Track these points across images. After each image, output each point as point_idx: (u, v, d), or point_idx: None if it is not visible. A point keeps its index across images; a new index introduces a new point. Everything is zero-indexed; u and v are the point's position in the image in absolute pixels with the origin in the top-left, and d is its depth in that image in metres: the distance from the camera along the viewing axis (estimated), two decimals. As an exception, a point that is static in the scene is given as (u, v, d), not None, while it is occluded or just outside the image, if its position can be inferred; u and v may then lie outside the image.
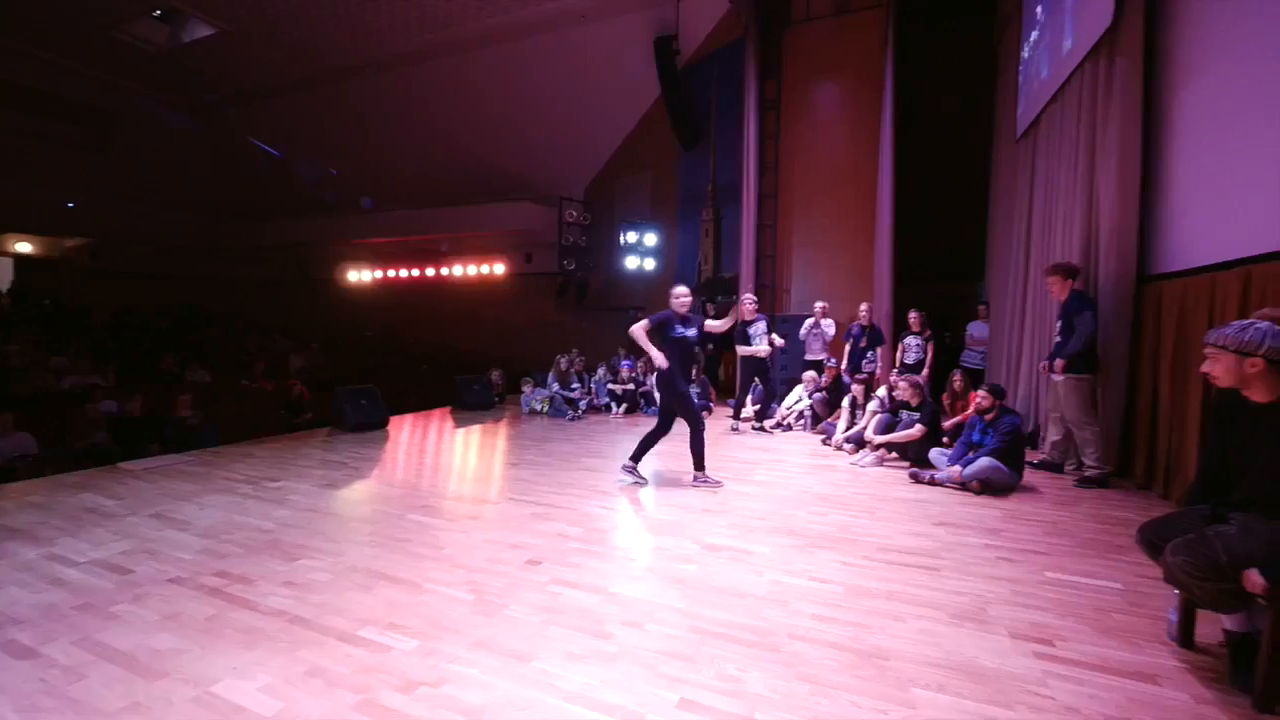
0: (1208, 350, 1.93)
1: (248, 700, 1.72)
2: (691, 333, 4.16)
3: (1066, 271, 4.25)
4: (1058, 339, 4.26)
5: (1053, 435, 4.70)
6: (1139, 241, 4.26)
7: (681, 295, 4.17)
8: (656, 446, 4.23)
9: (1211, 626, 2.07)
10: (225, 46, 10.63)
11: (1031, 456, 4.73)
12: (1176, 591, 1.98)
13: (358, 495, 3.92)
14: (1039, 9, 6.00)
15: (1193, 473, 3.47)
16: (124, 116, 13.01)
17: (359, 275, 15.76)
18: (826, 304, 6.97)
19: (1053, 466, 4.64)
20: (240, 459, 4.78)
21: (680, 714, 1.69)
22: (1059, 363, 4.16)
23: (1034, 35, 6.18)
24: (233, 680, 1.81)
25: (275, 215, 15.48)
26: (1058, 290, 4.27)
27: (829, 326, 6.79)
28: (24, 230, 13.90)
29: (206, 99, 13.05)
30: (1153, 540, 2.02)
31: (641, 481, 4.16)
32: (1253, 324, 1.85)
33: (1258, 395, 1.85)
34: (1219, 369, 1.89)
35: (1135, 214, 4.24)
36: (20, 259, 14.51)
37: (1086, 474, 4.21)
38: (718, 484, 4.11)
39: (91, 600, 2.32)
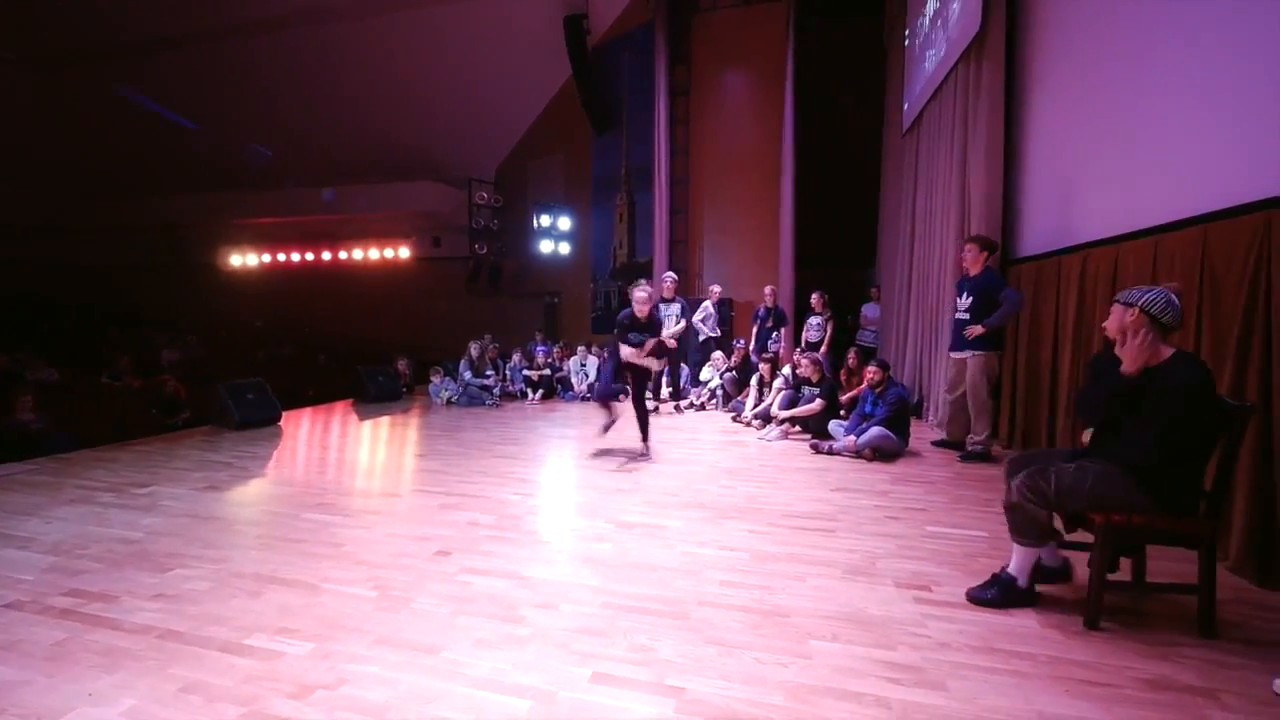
0: (1112, 306, 2.09)
1: (107, 727, 1.54)
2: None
3: (983, 244, 4.05)
4: (963, 315, 4.04)
5: (944, 415, 4.68)
6: (1004, 229, 4.75)
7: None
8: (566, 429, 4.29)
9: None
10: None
11: (922, 431, 5.15)
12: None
13: (244, 497, 3.59)
14: (921, 11, 6.47)
15: (1044, 435, 3.96)
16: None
17: (243, 259, 14.32)
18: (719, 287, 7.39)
19: (954, 445, 4.46)
20: (99, 464, 4.23)
21: (593, 688, 1.70)
22: (974, 328, 3.94)
23: (917, 37, 6.66)
24: (87, 708, 1.61)
25: (139, 190, 13.63)
26: (970, 262, 4.04)
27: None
28: None
29: (46, 53, 11.14)
30: (1013, 469, 2.24)
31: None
32: (1152, 287, 2.01)
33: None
34: (1111, 320, 2.07)
35: (1000, 205, 4.71)
36: None
37: (970, 448, 4.18)
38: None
39: (-100, 636, 1.97)
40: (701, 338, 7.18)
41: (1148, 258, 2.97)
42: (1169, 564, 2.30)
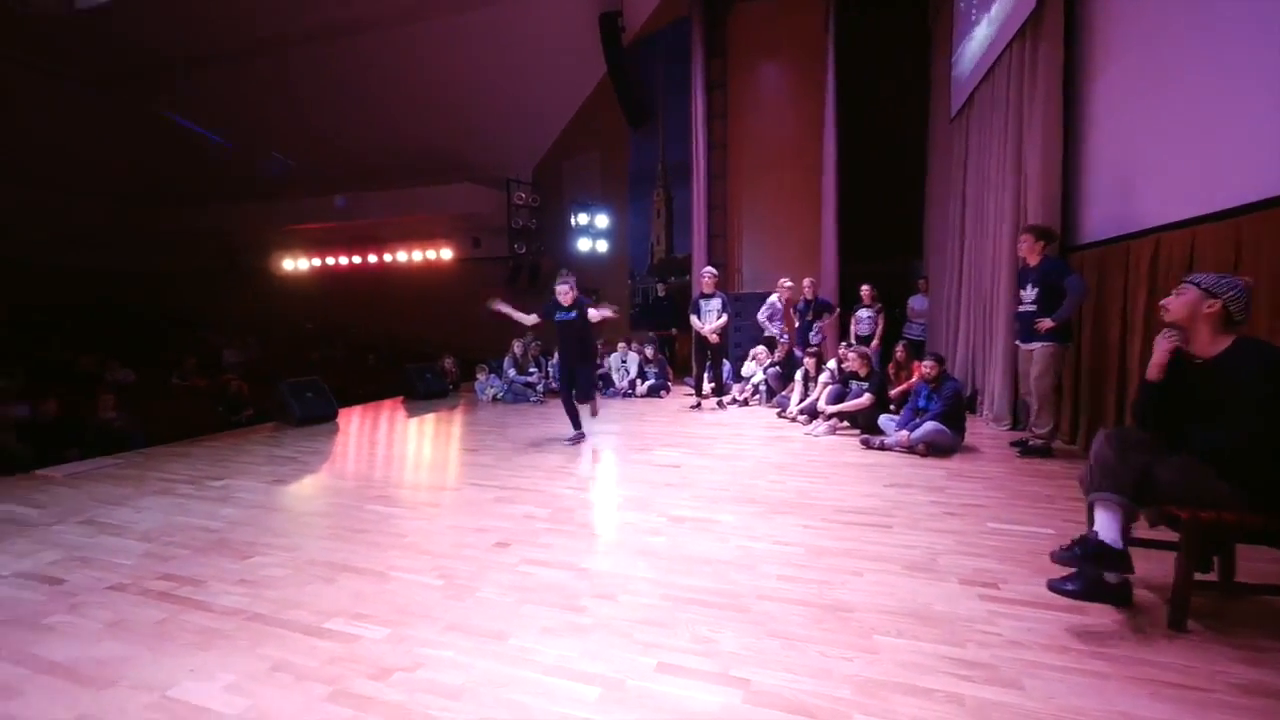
0: (1180, 286, 1.99)
1: (210, 701, 1.65)
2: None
3: (1039, 233, 3.96)
4: (1030, 306, 3.93)
5: (1000, 410, 4.74)
6: (1063, 215, 4.55)
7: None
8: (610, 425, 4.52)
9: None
10: (135, 14, 9.69)
11: (977, 425, 4.98)
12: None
13: (310, 489, 3.77)
14: (970, -8, 6.23)
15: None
16: (7, 90, 11.67)
17: (294, 263, 14.93)
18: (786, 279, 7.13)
19: (1043, 451, 4.05)
20: (176, 459, 4.50)
21: (659, 676, 1.73)
22: (1044, 321, 3.80)
23: (964, 19, 6.42)
24: (191, 683, 1.73)
25: (196, 199, 14.37)
26: (1026, 251, 3.97)
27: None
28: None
29: (114, 70, 11.83)
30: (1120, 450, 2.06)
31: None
32: (1232, 276, 1.91)
33: (1199, 345, 1.93)
34: (1178, 302, 1.96)
35: (1058, 189, 4.51)
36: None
37: (1031, 443, 4.07)
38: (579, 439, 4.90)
39: (20, 614, 2.15)
40: (766, 334, 7.05)
41: (1229, 241, 2.80)
42: (1259, 564, 2.17)
